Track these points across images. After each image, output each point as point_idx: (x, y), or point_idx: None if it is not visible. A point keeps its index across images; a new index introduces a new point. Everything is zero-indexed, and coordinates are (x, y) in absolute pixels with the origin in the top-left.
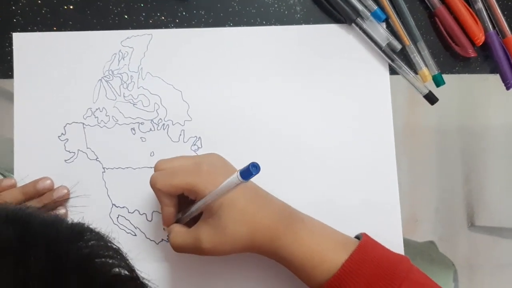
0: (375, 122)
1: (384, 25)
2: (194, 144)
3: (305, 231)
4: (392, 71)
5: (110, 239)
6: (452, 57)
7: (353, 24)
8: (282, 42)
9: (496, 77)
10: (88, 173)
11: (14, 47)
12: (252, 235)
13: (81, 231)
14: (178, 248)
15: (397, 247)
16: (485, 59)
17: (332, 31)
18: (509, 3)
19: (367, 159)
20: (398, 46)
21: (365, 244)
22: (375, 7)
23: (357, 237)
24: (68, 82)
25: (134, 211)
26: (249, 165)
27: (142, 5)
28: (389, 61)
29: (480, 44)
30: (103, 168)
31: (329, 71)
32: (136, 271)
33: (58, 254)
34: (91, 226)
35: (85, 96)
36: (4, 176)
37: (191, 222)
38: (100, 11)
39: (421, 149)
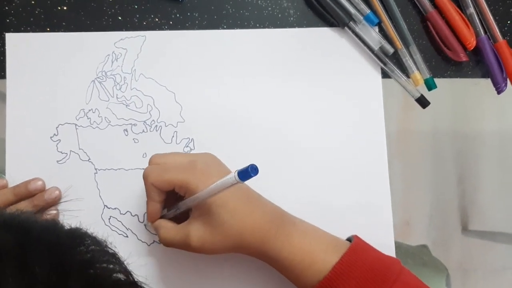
0: (367, 124)
1: (376, 28)
2: (187, 146)
3: (296, 233)
4: (385, 75)
5: (107, 244)
6: (444, 61)
7: (346, 28)
8: (276, 45)
9: (488, 81)
10: (80, 174)
11: (7, 47)
12: (243, 235)
13: (81, 236)
14: (168, 244)
15: (389, 249)
16: (476, 64)
17: (325, 34)
18: (501, 8)
19: (359, 161)
20: (391, 50)
21: (356, 246)
22: (367, 11)
23: (349, 239)
24: (61, 83)
25: (126, 212)
26: (248, 166)
27: (136, 6)
28: (382, 64)
29: (472, 48)
30: (95, 169)
31: (322, 74)
32: (133, 275)
33: (60, 260)
34: (88, 231)
35: (78, 97)
36: None
37: (175, 219)
38: (94, 12)
39: (414, 153)
